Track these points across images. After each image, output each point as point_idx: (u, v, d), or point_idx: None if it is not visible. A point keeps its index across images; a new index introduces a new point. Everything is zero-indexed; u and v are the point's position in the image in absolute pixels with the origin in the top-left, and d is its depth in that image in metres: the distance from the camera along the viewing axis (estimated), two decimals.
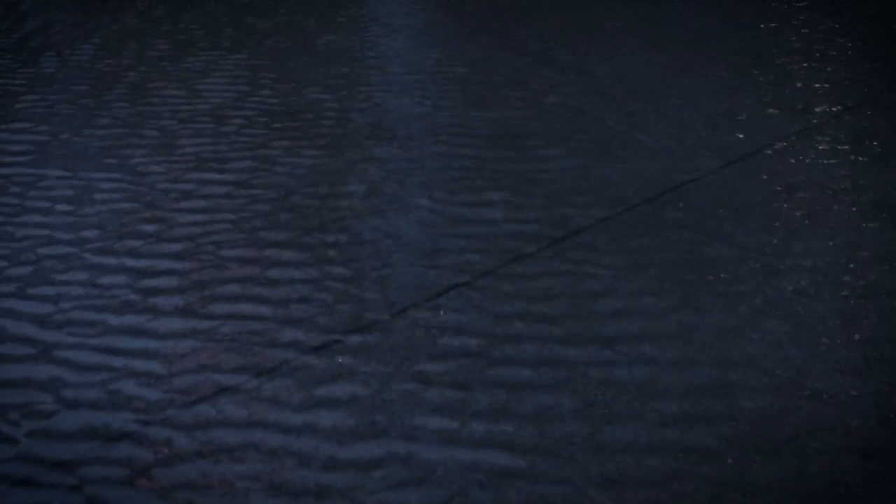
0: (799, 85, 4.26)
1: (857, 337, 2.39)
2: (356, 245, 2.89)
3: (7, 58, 4.76)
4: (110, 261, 2.81)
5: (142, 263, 2.79)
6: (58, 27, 5.31)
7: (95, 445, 2.05)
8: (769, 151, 3.54)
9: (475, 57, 4.76)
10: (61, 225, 3.02)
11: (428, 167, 3.45)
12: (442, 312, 2.53)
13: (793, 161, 3.45)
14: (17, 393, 2.23)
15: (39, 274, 2.74)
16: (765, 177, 3.32)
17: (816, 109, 3.95)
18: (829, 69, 4.46)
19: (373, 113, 4.00)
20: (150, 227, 3.00)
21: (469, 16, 5.58)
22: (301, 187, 3.29)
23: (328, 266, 2.77)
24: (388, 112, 4.01)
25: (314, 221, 3.04)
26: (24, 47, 4.93)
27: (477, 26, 5.35)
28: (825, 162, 3.43)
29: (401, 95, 4.21)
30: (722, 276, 2.69)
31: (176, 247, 2.89)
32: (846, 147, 3.56)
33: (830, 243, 2.86)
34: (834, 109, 3.95)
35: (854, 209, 3.07)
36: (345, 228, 3.00)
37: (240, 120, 3.93)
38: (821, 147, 3.57)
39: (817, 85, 4.25)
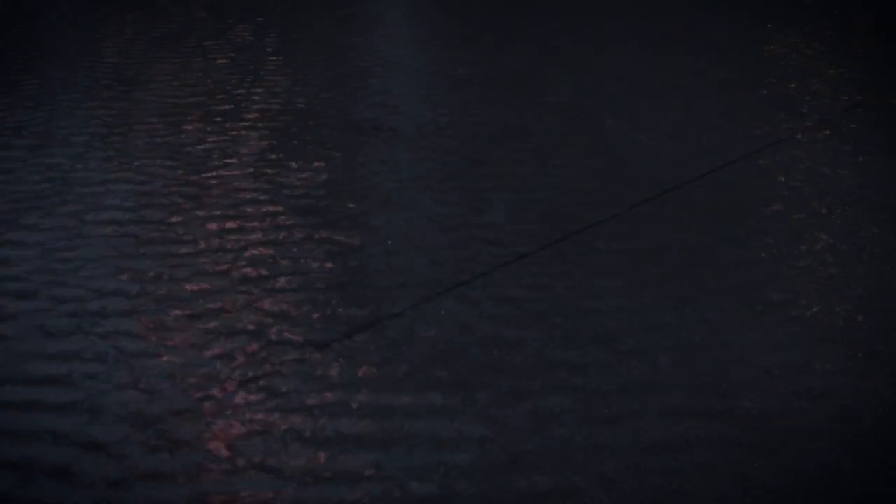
0: (799, 85, 4.26)
1: (856, 337, 2.39)
2: (355, 244, 2.89)
3: None
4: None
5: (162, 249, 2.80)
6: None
7: None
8: (769, 151, 3.54)
9: (475, 57, 4.76)
10: None
11: (429, 166, 3.45)
12: (442, 312, 2.53)
13: (793, 161, 3.45)
14: None
15: None
16: (764, 177, 3.32)
17: (816, 110, 3.95)
18: (829, 69, 4.46)
19: (373, 112, 3.99)
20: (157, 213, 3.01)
21: (469, 15, 5.58)
22: (300, 186, 3.29)
23: (327, 265, 2.77)
24: (388, 111, 4.01)
25: (312, 220, 3.04)
26: None
27: (477, 26, 5.35)
28: (825, 162, 3.43)
29: (401, 95, 4.21)
30: (722, 275, 2.69)
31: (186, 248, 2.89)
32: (846, 147, 3.56)
33: (830, 243, 2.86)
34: (834, 109, 3.95)
35: (854, 209, 3.07)
36: (344, 227, 3.00)
37: (238, 119, 3.93)
38: (820, 147, 3.57)
39: (817, 85, 4.25)
